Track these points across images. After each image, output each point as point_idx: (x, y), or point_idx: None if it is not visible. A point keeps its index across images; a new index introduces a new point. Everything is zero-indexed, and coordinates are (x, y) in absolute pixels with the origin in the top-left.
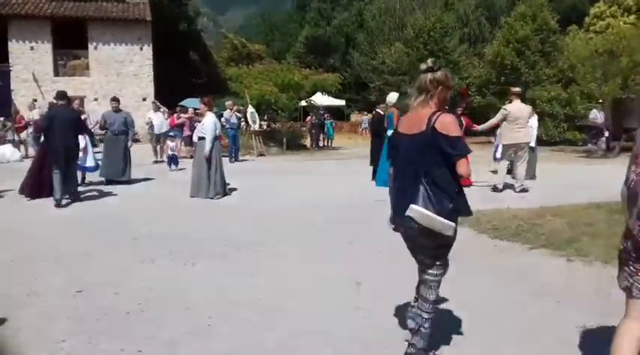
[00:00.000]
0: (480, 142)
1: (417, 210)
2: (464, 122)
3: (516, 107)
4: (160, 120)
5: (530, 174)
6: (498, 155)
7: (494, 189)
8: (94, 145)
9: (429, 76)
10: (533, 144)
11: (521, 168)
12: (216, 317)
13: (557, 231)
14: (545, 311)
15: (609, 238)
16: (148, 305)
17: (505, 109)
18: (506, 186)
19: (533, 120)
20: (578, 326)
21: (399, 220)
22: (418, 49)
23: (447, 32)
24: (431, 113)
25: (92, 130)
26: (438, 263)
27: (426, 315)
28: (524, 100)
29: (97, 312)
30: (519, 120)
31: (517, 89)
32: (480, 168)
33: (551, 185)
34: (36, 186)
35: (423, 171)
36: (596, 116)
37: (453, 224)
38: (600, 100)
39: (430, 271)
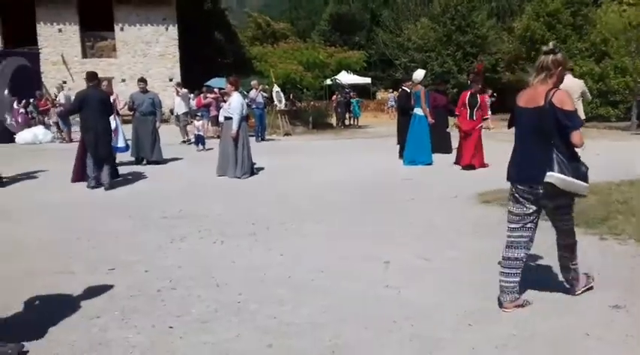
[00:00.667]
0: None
1: (557, 177)
2: (479, 100)
3: (567, 82)
4: (178, 101)
5: None
6: None
7: None
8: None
9: (551, 57)
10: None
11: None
12: (246, 295)
13: (590, 209)
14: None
15: None
16: (178, 283)
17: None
18: None
19: None
20: (611, 305)
21: (524, 185)
22: (445, 25)
23: (475, 6)
24: (547, 89)
25: (120, 111)
26: (567, 215)
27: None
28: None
29: (128, 290)
30: (574, 95)
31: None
32: (510, 146)
33: (585, 162)
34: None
35: (550, 141)
36: None
37: (587, 185)
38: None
39: (564, 220)
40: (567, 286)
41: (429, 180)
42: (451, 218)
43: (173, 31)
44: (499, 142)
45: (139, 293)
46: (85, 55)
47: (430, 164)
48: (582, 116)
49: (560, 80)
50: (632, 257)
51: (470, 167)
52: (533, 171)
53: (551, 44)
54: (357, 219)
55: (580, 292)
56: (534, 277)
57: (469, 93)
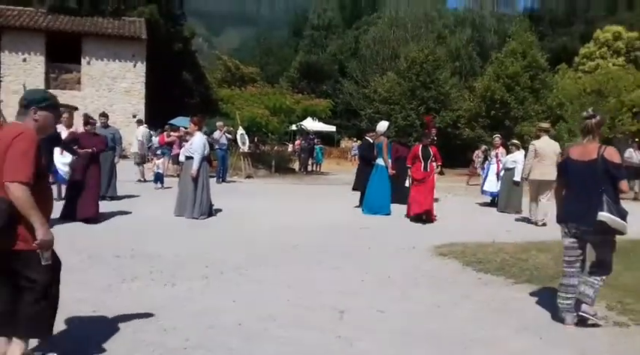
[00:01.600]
0: (468, 174)
1: (607, 216)
2: (431, 152)
3: (544, 143)
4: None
5: (516, 208)
6: (486, 187)
7: (534, 223)
8: None
9: (593, 120)
10: (518, 178)
11: (543, 204)
12: (193, 341)
13: (542, 267)
14: (527, 347)
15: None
16: (125, 326)
17: (532, 145)
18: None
19: (519, 155)
20: None
21: (577, 224)
22: (410, 80)
23: (439, 65)
24: (598, 146)
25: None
26: (609, 249)
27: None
28: (512, 135)
29: (71, 333)
30: (548, 157)
31: (545, 125)
32: (467, 200)
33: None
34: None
35: (601, 188)
36: (632, 155)
37: (627, 224)
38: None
39: (607, 252)
40: (580, 312)
41: (387, 230)
42: (407, 269)
43: (141, 67)
44: (457, 196)
45: (86, 337)
46: (48, 86)
47: (389, 214)
48: (519, 175)
49: (600, 136)
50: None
51: (419, 217)
52: (587, 211)
53: (590, 110)
54: (313, 266)
55: (588, 316)
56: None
57: (421, 146)
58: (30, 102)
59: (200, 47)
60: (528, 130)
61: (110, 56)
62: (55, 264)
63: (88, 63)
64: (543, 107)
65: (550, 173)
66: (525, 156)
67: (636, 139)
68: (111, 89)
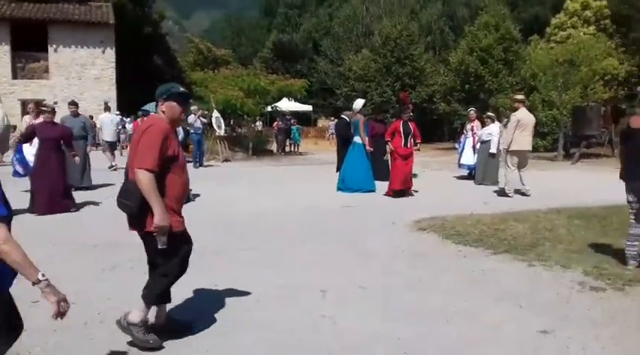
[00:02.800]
0: (445, 148)
1: None
2: (411, 127)
3: (524, 114)
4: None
5: (493, 180)
6: (463, 161)
7: (522, 193)
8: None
9: None
10: (494, 150)
11: (523, 174)
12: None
13: (519, 237)
14: (507, 315)
15: (569, 243)
16: (107, 316)
17: (514, 116)
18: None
19: (495, 128)
20: (539, 330)
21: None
22: (385, 56)
23: (413, 40)
24: None
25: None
26: None
27: None
28: (487, 108)
29: (53, 324)
30: (528, 127)
31: (520, 97)
32: (445, 174)
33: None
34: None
35: None
36: None
37: None
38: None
39: None
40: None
41: (367, 208)
42: (388, 245)
43: (110, 53)
44: (434, 171)
45: (64, 327)
46: (15, 76)
47: (373, 191)
48: (494, 147)
49: None
50: (558, 283)
51: (400, 193)
52: None
53: None
54: (294, 246)
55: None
56: (468, 298)
57: (401, 121)
58: (155, 96)
59: (170, 30)
60: (503, 102)
61: (78, 43)
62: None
63: (55, 50)
64: (517, 78)
65: (529, 143)
66: (503, 128)
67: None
68: (80, 77)
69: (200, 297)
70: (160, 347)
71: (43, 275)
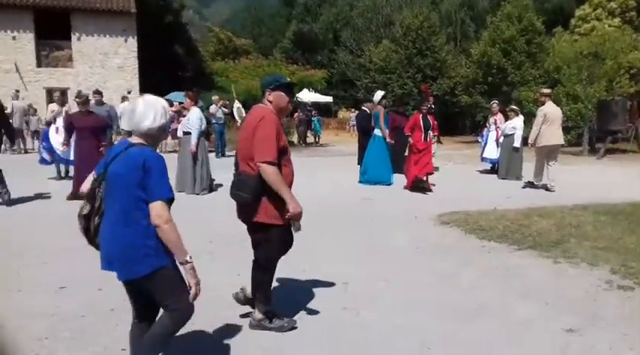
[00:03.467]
0: (467, 142)
1: None
2: (430, 121)
3: (552, 108)
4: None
5: (516, 175)
6: (486, 155)
7: (547, 189)
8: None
9: None
10: (517, 144)
11: (552, 169)
12: (200, 316)
13: (544, 233)
14: (532, 313)
15: (595, 240)
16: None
17: (541, 110)
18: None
19: (518, 122)
20: (565, 328)
21: None
22: (407, 48)
23: (434, 31)
24: None
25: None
26: None
27: None
28: (510, 100)
29: (80, 309)
30: (556, 121)
31: (547, 90)
32: (467, 168)
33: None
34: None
35: None
36: None
37: None
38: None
39: None
40: None
41: (389, 201)
42: (410, 239)
43: (132, 42)
44: (457, 165)
45: (91, 313)
46: (39, 64)
47: (390, 184)
48: (518, 141)
49: None
50: (585, 280)
51: (418, 185)
52: None
53: None
54: (316, 238)
55: None
56: (482, 300)
57: (421, 115)
58: (262, 86)
59: (191, 19)
60: (526, 95)
61: (100, 31)
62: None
63: (78, 39)
64: (540, 71)
65: (560, 136)
66: (531, 121)
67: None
68: (104, 65)
69: (222, 287)
70: (294, 326)
71: (190, 257)
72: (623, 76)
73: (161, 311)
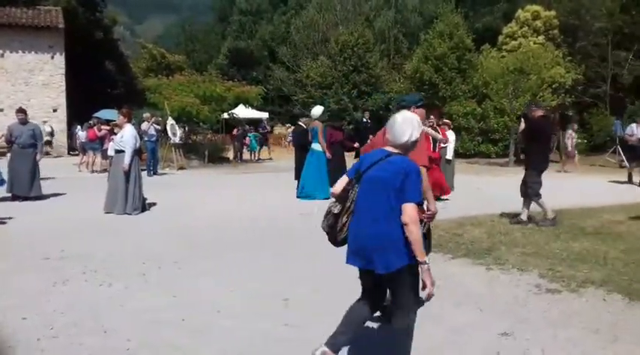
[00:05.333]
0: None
1: None
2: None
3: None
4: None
5: (449, 185)
6: None
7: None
8: None
9: None
10: (449, 156)
11: None
12: (136, 341)
13: (476, 241)
14: (469, 319)
15: (524, 246)
16: (60, 331)
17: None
18: None
19: (451, 135)
20: (499, 332)
21: None
22: (343, 64)
23: (369, 48)
24: None
25: None
26: None
27: None
28: (442, 115)
29: (4, 339)
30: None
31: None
32: None
33: (469, 196)
34: None
35: None
36: (634, 132)
37: None
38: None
39: None
40: None
41: None
42: None
43: (60, 59)
44: None
45: (16, 344)
46: None
47: (328, 199)
48: (450, 153)
49: None
50: (515, 286)
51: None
52: None
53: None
54: (254, 255)
55: None
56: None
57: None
58: (409, 102)
59: (122, 36)
60: (457, 110)
61: (26, 48)
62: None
63: (2, 55)
64: (470, 86)
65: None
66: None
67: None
68: (28, 83)
69: (158, 310)
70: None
71: (429, 259)
72: (545, 90)
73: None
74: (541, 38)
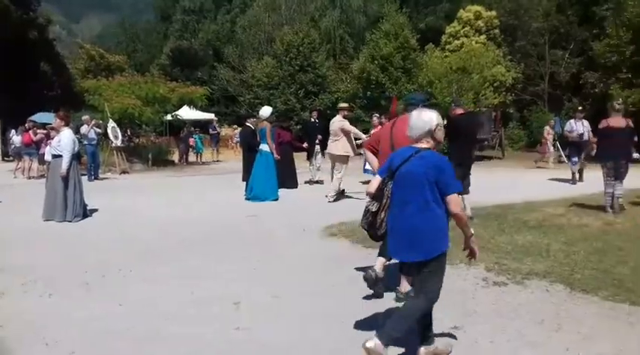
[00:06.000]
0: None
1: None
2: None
3: (334, 120)
4: None
5: None
6: (368, 167)
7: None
8: None
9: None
10: None
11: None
12: (80, 352)
13: None
14: None
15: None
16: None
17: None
18: None
19: None
20: (450, 326)
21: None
22: (289, 64)
23: (315, 48)
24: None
25: None
26: None
27: None
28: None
29: None
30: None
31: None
32: (350, 180)
33: None
34: None
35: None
36: (572, 128)
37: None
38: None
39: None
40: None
41: (276, 216)
42: (299, 252)
43: None
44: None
45: None
46: None
47: (276, 199)
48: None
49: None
50: (463, 280)
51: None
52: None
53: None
54: (202, 259)
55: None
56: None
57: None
58: (418, 101)
59: (58, 35)
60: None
61: None
62: None
63: None
64: (415, 86)
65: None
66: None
67: (579, 109)
68: None
69: (103, 319)
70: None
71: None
72: (487, 89)
73: None
74: (482, 38)
